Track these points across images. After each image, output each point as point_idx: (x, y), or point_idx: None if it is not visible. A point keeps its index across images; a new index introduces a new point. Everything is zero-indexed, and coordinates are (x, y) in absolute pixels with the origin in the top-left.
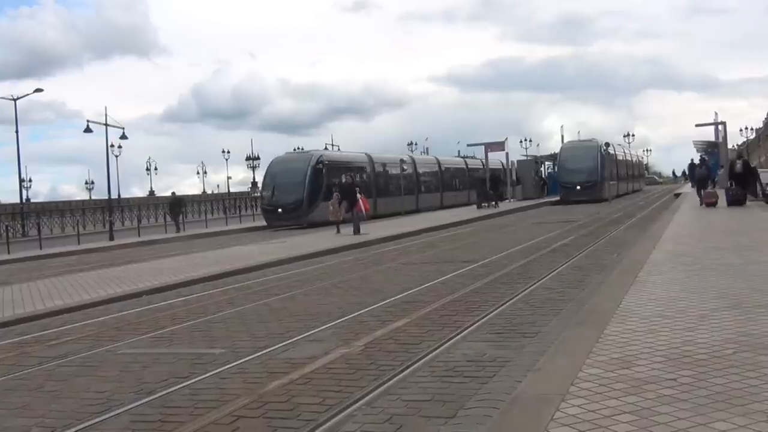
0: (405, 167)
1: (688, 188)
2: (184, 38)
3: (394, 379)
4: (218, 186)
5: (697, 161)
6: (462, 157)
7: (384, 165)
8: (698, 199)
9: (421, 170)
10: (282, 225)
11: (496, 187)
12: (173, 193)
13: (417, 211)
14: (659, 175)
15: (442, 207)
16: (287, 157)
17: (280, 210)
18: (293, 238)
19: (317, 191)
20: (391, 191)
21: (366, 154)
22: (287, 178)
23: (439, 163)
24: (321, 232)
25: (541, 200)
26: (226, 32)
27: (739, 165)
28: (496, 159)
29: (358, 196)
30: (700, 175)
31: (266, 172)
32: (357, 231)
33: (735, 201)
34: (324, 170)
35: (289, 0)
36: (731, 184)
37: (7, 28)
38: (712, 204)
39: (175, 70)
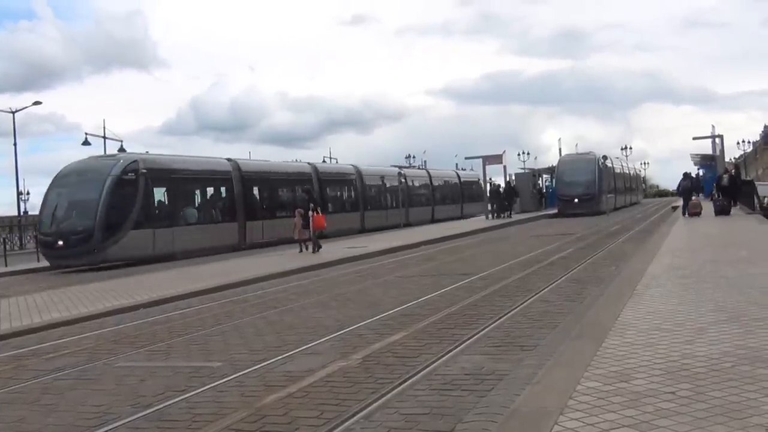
0: (387, 180)
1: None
2: (183, 52)
3: (392, 393)
4: None
5: (693, 175)
6: (454, 170)
7: (333, 179)
8: (684, 210)
9: (411, 183)
10: (65, 264)
11: (511, 198)
12: None
13: (408, 224)
14: (657, 187)
15: (434, 221)
16: (80, 165)
17: (60, 242)
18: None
19: (123, 215)
20: (341, 207)
21: (308, 164)
22: (74, 194)
23: (430, 176)
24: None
25: (539, 213)
26: (225, 46)
27: (725, 178)
28: (473, 174)
29: (311, 213)
30: (684, 187)
31: (49, 186)
32: (315, 249)
33: (722, 211)
34: (142, 183)
35: (289, 14)
36: (718, 196)
37: (6, 41)
38: (696, 214)
39: (175, 83)
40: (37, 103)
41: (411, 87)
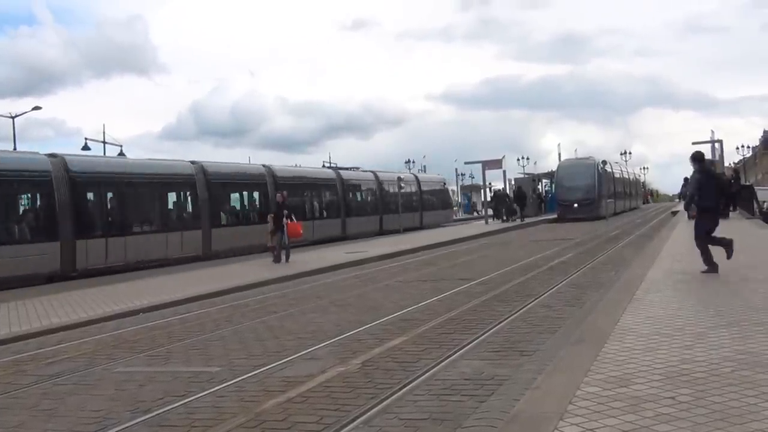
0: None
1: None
2: (183, 56)
3: (392, 398)
4: None
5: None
6: (412, 173)
7: (233, 183)
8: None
9: (349, 187)
10: None
11: (522, 202)
12: None
13: (344, 238)
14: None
15: (382, 232)
16: None
17: None
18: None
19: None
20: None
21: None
22: None
23: (377, 179)
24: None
25: (539, 218)
26: (226, 50)
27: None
28: (437, 178)
29: (285, 219)
30: (685, 192)
31: None
32: (286, 258)
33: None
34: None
35: (290, 18)
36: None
37: (7, 46)
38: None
39: (175, 88)
40: (36, 108)
41: (411, 92)
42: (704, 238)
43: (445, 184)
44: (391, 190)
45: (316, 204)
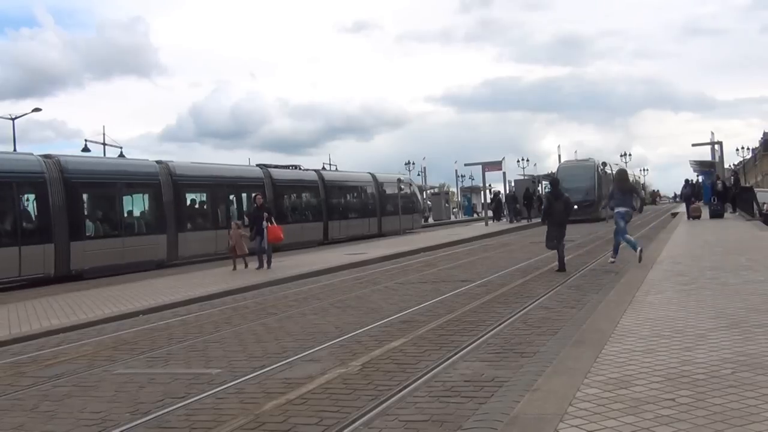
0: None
1: (683, 207)
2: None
3: (392, 400)
4: None
5: (693, 181)
6: (369, 172)
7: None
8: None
9: (281, 187)
10: None
11: (530, 203)
12: None
13: (327, 242)
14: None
15: (328, 241)
16: None
17: None
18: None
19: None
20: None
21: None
22: None
23: (321, 179)
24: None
25: (539, 219)
26: (227, 52)
27: (719, 185)
28: (403, 178)
29: (265, 223)
30: (686, 194)
31: None
32: (265, 264)
33: (716, 214)
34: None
35: (291, 20)
36: (713, 200)
37: (8, 48)
38: (696, 217)
39: (176, 89)
40: (36, 109)
41: (411, 93)
42: (549, 244)
43: (411, 185)
44: (340, 193)
45: (242, 207)
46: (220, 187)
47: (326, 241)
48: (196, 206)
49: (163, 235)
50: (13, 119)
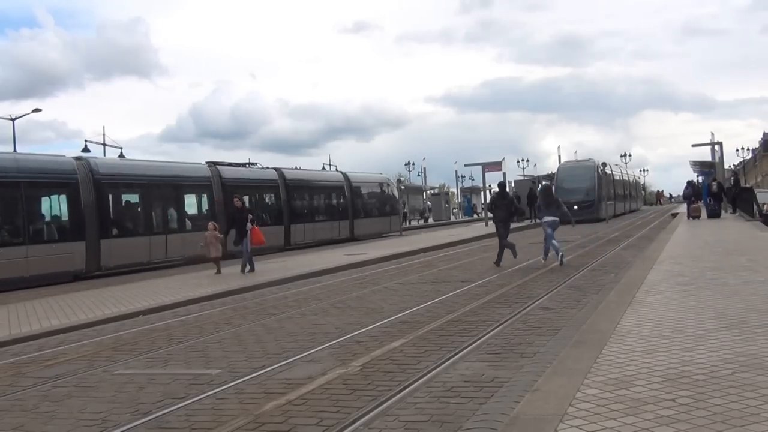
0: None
1: (684, 208)
2: (185, 59)
3: (392, 400)
4: None
5: (697, 181)
6: (340, 171)
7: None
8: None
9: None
10: None
11: (533, 204)
12: None
13: (288, 248)
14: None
15: (289, 246)
16: None
17: None
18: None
19: None
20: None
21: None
22: None
23: (282, 177)
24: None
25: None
26: (227, 53)
27: (714, 186)
28: (379, 177)
29: (249, 225)
30: (687, 194)
31: None
32: (249, 268)
33: (712, 214)
34: None
35: (291, 21)
36: (710, 201)
37: (8, 48)
38: (696, 217)
39: (176, 90)
40: (36, 110)
41: (411, 94)
42: (503, 241)
43: (389, 184)
44: (305, 193)
45: (183, 210)
46: (156, 187)
47: (288, 246)
48: (125, 209)
49: (80, 242)
50: (13, 120)
